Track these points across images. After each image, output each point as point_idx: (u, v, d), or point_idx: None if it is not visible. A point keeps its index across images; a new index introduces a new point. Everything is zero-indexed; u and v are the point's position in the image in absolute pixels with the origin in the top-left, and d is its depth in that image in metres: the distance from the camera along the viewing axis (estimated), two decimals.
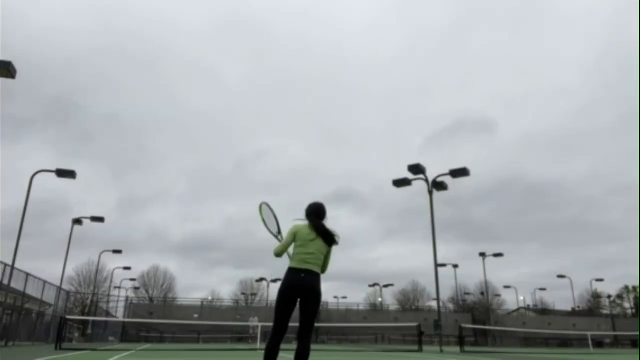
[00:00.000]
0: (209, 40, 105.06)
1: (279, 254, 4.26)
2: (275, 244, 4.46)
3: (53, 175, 21.59)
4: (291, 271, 4.11)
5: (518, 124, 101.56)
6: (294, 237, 4.25)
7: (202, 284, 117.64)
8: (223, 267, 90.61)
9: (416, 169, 21.67)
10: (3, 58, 13.57)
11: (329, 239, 4.25)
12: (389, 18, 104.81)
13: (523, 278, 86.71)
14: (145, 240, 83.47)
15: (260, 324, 32.01)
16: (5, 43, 79.30)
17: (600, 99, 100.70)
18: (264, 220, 4.87)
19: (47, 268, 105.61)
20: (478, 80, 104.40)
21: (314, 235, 4.22)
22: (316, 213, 4.41)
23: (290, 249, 4.30)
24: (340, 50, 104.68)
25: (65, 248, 29.93)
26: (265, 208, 4.96)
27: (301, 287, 4.03)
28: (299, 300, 4.04)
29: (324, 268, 4.29)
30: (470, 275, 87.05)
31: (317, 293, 4.05)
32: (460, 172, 21.70)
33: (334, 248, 4.36)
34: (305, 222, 4.37)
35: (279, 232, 4.86)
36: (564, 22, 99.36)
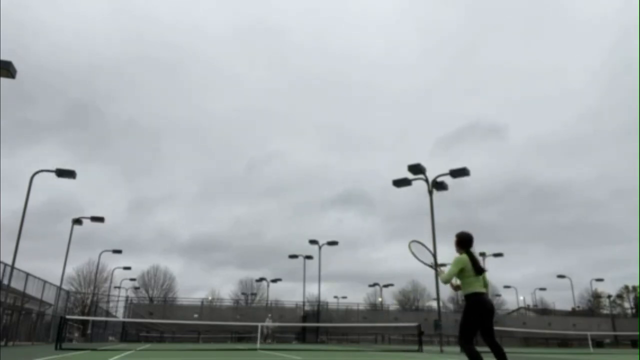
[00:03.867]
0: (226, 44, 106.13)
1: (446, 282, 5.10)
2: (443, 272, 5.25)
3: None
4: (480, 296, 5.02)
5: (527, 128, 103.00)
6: (462, 270, 5.05)
7: (206, 284, 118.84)
8: (227, 267, 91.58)
9: (416, 168, 21.69)
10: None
11: (482, 270, 5.14)
12: (404, 23, 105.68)
13: (527, 278, 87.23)
14: (153, 241, 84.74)
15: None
16: (28, 50, 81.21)
17: (606, 104, 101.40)
18: (415, 256, 5.65)
19: (55, 268, 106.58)
20: (489, 85, 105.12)
21: (476, 268, 5.08)
22: (470, 243, 5.22)
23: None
24: (354, 53, 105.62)
25: (73, 249, 30.03)
26: (415, 245, 5.71)
27: (488, 307, 5.02)
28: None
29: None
30: None
31: (494, 309, 5.14)
32: (459, 172, 21.71)
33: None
34: (464, 255, 5.11)
35: (435, 263, 5.64)
36: (572, 28, 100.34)
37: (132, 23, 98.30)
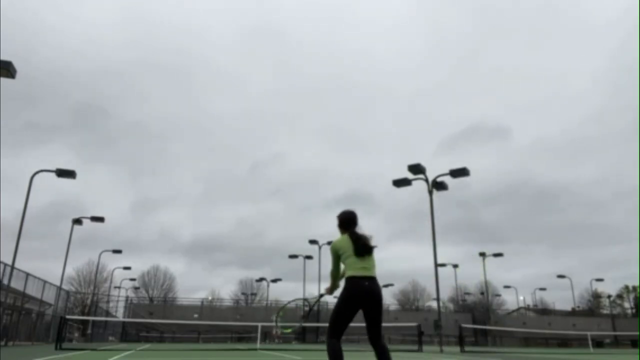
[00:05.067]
0: (230, 47, 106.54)
1: (334, 276, 4.40)
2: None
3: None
4: (354, 280, 4.11)
5: (530, 129, 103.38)
6: (338, 253, 4.31)
7: (208, 284, 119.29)
8: (229, 267, 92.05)
9: (416, 169, 21.67)
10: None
11: (368, 250, 4.28)
12: (409, 25, 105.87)
13: (527, 278, 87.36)
14: (156, 242, 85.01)
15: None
16: (37, 53, 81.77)
17: (609, 106, 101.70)
18: (278, 324, 4.89)
19: (56, 268, 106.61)
20: (493, 87, 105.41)
21: (355, 248, 4.25)
22: (353, 222, 4.45)
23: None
24: (359, 55, 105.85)
25: (77, 249, 30.12)
26: (280, 316, 4.99)
27: (367, 295, 4.08)
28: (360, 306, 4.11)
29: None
30: (473, 276, 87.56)
31: (381, 298, 4.15)
32: (459, 172, 21.69)
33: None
34: (342, 236, 4.41)
35: (316, 298, 4.85)
36: (576, 31, 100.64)
37: (138, 27, 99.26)
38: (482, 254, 45.93)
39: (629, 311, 72.21)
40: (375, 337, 4.15)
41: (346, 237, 4.35)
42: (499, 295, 66.07)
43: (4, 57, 13.86)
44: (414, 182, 22.58)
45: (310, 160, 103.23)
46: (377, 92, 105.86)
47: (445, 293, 65.57)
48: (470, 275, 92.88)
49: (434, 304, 46.67)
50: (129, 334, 40.41)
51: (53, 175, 21.65)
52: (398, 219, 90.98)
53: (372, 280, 4.15)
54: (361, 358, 13.07)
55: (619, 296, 73.31)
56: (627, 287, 72.54)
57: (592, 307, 68.68)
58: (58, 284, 27.29)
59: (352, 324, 4.16)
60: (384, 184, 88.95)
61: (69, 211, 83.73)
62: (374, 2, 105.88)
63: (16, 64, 13.87)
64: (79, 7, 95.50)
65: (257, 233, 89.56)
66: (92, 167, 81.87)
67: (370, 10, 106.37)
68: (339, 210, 4.58)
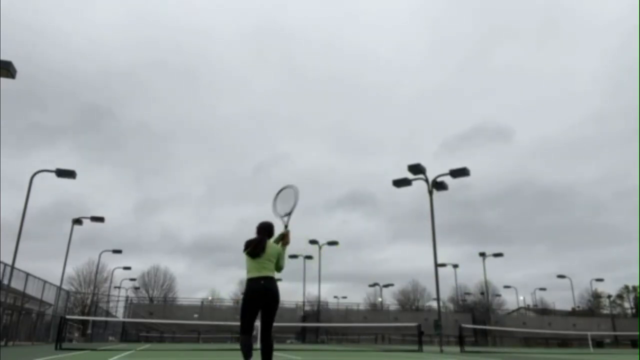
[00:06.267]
0: (235, 47, 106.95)
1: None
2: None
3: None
4: (250, 280, 4.85)
5: (532, 130, 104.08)
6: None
7: (210, 284, 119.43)
8: (230, 267, 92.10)
9: (416, 169, 21.66)
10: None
11: (258, 253, 4.87)
12: (413, 26, 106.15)
13: (528, 278, 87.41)
14: (159, 242, 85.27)
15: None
16: (44, 55, 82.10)
17: (611, 106, 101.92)
18: (276, 198, 5.35)
19: (56, 268, 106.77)
20: (496, 87, 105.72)
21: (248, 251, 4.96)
22: (263, 231, 5.03)
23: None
24: (363, 56, 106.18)
25: (80, 249, 30.05)
26: (288, 191, 5.36)
27: (257, 292, 4.75)
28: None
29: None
30: (473, 276, 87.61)
31: (276, 295, 4.79)
32: (459, 172, 21.67)
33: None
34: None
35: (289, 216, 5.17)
36: (579, 31, 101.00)
37: (143, 28, 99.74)
38: (482, 254, 45.93)
39: (629, 311, 72.22)
40: (265, 333, 4.73)
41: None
42: (499, 295, 66.09)
43: (8, 58, 13.87)
44: (414, 183, 22.57)
45: (312, 161, 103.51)
46: (380, 92, 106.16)
47: (446, 293, 65.66)
48: (470, 275, 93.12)
49: (434, 304, 46.71)
50: (129, 334, 40.41)
51: (56, 176, 21.66)
52: (399, 219, 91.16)
53: (267, 279, 4.68)
54: (361, 358, 13.08)
55: (619, 296, 73.37)
56: (627, 287, 72.61)
57: (592, 307, 68.68)
58: (58, 284, 27.32)
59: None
60: (386, 184, 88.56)
61: (71, 212, 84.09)
62: (376, 3, 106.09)
63: (20, 65, 13.88)
64: (84, 8, 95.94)
65: None
66: (95, 168, 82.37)
67: (372, 11, 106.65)
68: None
